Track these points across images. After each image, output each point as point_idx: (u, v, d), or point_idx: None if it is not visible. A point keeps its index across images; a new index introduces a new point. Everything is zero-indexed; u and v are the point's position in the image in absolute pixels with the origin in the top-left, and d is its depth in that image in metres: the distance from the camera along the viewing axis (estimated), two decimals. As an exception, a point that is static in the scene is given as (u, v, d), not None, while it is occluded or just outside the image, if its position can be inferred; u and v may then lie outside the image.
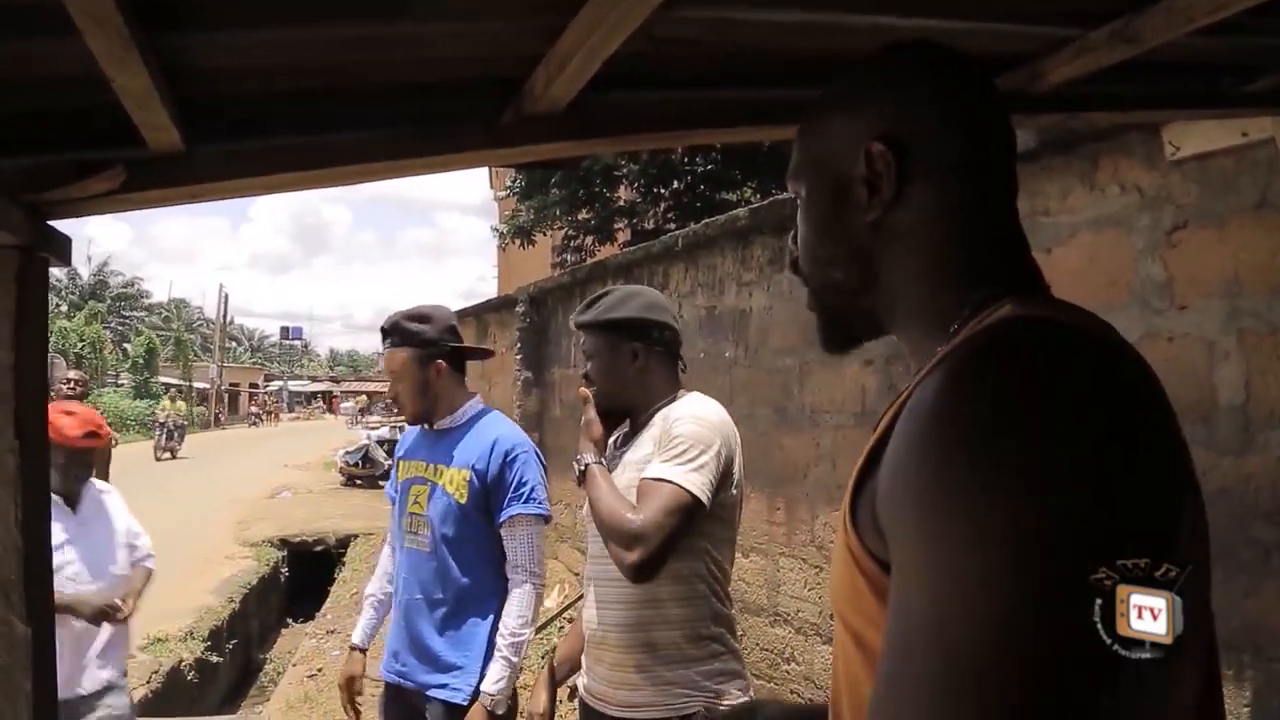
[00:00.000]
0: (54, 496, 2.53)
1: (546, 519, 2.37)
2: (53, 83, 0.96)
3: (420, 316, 2.44)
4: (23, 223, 1.00)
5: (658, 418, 1.96)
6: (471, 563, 2.30)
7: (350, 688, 2.47)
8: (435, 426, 2.44)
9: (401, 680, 2.35)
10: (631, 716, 1.89)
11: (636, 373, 1.98)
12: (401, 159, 1.14)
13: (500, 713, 2.20)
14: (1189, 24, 1.16)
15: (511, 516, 2.29)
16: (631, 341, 1.98)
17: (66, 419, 2.74)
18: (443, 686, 2.26)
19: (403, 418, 2.62)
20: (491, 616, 2.30)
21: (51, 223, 1.07)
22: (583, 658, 2.04)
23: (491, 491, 2.30)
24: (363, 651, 2.53)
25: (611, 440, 2.11)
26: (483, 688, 2.19)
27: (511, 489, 2.30)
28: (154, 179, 1.05)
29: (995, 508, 0.56)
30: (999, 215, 0.80)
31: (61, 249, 1.09)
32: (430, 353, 2.40)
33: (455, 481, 2.32)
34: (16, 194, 1.00)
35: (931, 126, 0.78)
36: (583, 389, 1.98)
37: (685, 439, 1.83)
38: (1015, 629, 0.55)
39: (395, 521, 2.49)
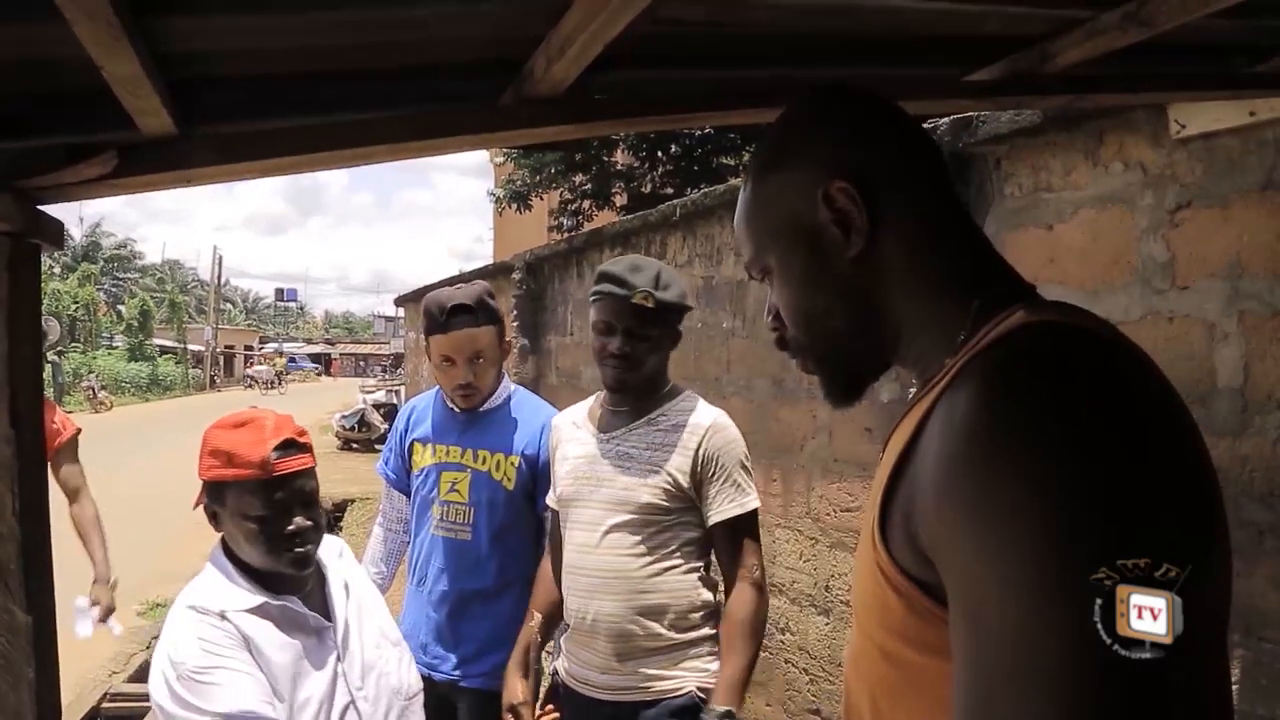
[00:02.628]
0: (292, 606, 1.53)
1: None
2: (43, 67, 0.94)
3: (490, 292, 2.31)
4: (13, 209, 0.99)
5: (665, 419, 1.96)
6: (516, 549, 2.25)
7: None
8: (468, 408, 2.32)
9: (431, 673, 2.26)
10: (619, 699, 1.91)
11: (668, 355, 2.02)
12: (400, 141, 1.12)
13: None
14: (1204, 8, 1.14)
15: None
16: (679, 325, 2.01)
17: (237, 433, 1.51)
18: (482, 675, 2.21)
19: (399, 387, 2.47)
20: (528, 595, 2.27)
21: (43, 208, 1.05)
22: (563, 641, 2.05)
23: (540, 477, 2.25)
24: None
25: (588, 415, 2.08)
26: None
27: None
28: (146, 163, 1.03)
29: (1036, 511, 0.58)
30: (963, 222, 0.82)
31: (54, 234, 1.07)
32: (503, 328, 2.31)
33: (503, 468, 2.25)
34: (7, 179, 0.98)
35: (875, 152, 0.80)
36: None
37: (742, 463, 1.94)
38: (1027, 631, 0.56)
39: (418, 509, 2.36)
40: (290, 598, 1.53)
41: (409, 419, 2.46)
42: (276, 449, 1.49)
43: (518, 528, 2.27)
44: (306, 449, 1.56)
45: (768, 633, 3.79)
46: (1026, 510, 0.58)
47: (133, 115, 0.95)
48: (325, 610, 1.60)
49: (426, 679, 2.26)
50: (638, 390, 1.97)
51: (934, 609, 0.65)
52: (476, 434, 2.30)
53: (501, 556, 2.24)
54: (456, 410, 2.34)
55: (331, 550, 1.70)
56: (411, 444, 2.40)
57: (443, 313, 2.22)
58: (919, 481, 0.67)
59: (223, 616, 1.46)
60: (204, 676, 1.39)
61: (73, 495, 3.34)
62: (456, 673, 2.25)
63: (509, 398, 2.36)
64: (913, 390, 0.83)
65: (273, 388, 39.81)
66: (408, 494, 2.43)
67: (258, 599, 1.49)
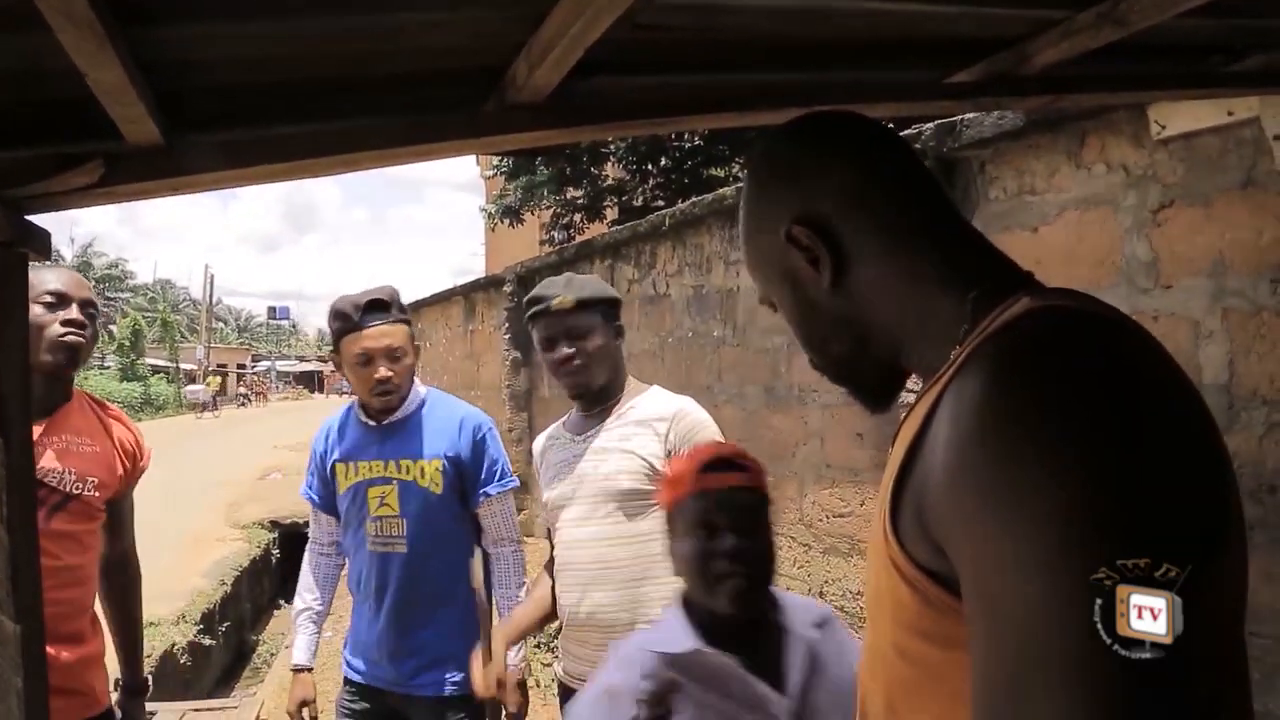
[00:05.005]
0: (728, 665, 1.30)
1: (516, 486, 2.38)
2: (28, 76, 0.94)
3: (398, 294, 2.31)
4: (1, 218, 0.99)
5: (634, 410, 2.00)
6: (453, 550, 2.23)
7: (302, 713, 2.31)
8: (384, 421, 2.29)
9: (388, 686, 2.25)
10: None
11: (617, 351, 2.05)
12: (384, 149, 1.13)
13: (521, 679, 2.17)
14: (1177, 6, 1.16)
15: (490, 496, 2.28)
16: (615, 321, 2.03)
17: (682, 459, 1.47)
18: (436, 682, 2.20)
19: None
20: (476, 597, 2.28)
21: (30, 217, 1.05)
22: (560, 641, 2.06)
23: (466, 475, 2.27)
24: (309, 671, 2.37)
25: (562, 424, 2.14)
26: (508, 660, 2.12)
27: (486, 468, 2.28)
28: (133, 172, 1.04)
29: (1043, 505, 0.58)
30: (948, 222, 0.83)
31: (41, 244, 1.08)
32: (413, 331, 2.31)
33: (428, 473, 2.25)
34: (-7, 189, 0.99)
35: (828, 183, 0.83)
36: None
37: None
38: (1034, 624, 0.56)
39: (352, 529, 2.33)
40: (731, 656, 1.30)
41: (326, 440, 2.42)
42: (707, 466, 1.38)
43: (454, 532, 2.27)
44: (746, 469, 1.39)
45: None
46: (1032, 503, 0.58)
47: (119, 124, 0.96)
48: (778, 680, 1.32)
49: (377, 693, 2.26)
50: (601, 392, 2.02)
51: (948, 600, 0.65)
52: (396, 444, 2.28)
53: (442, 563, 2.23)
54: (372, 424, 2.31)
55: (805, 616, 1.41)
56: (333, 466, 2.36)
57: (357, 310, 2.21)
58: (929, 470, 0.67)
59: (646, 665, 1.32)
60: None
61: (126, 554, 2.24)
62: (412, 683, 2.24)
63: (422, 402, 2.34)
64: (914, 392, 0.84)
65: (207, 410, 33.02)
66: (336, 516, 2.41)
67: (687, 645, 1.31)
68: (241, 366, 56.71)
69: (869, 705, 0.78)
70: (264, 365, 63.79)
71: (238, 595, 7.99)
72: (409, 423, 2.30)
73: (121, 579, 2.22)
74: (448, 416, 2.32)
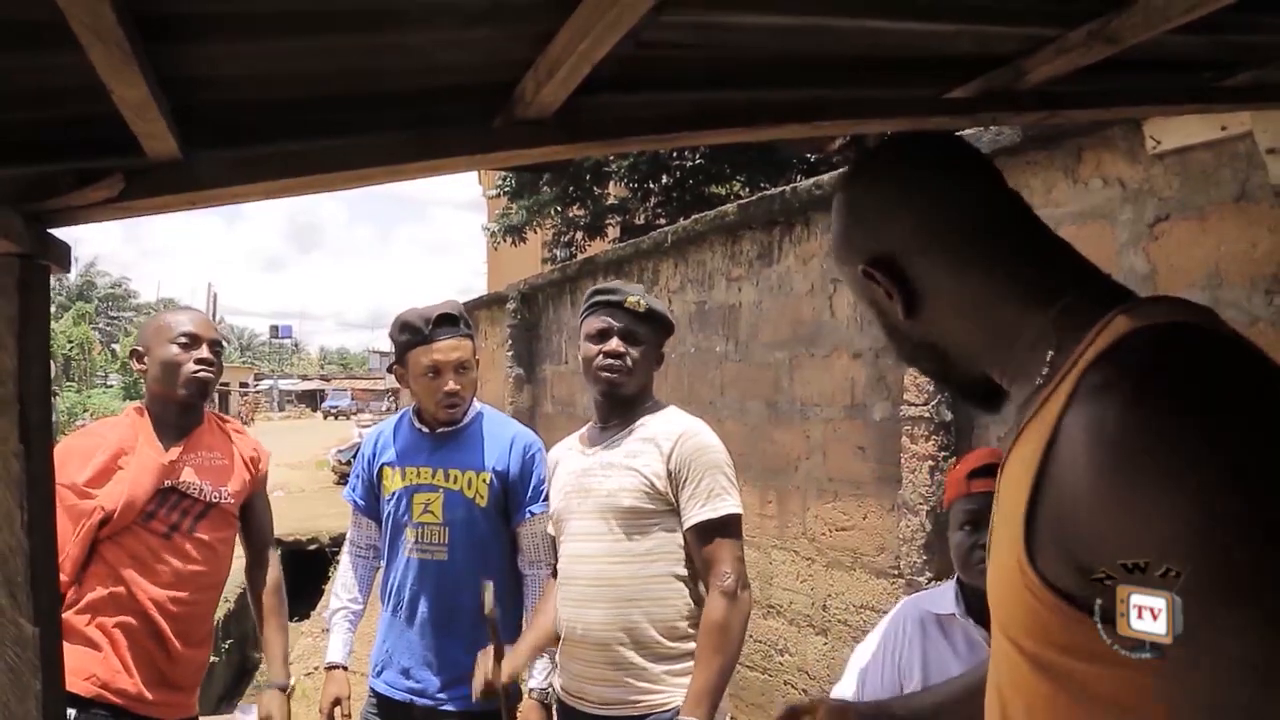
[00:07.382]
0: (971, 630, 1.69)
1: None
2: (51, 93, 0.97)
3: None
4: (23, 231, 1.02)
5: (644, 428, 2.01)
6: (493, 565, 2.26)
7: (333, 711, 2.30)
8: (438, 430, 2.34)
9: (414, 698, 2.26)
10: (610, 714, 1.92)
11: (653, 371, 2.09)
12: (395, 164, 1.16)
13: (547, 703, 2.18)
14: (1166, 23, 1.18)
15: (534, 515, 2.29)
16: (662, 346, 2.08)
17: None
18: (464, 696, 2.17)
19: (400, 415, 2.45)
20: (511, 614, 2.27)
21: (51, 230, 1.08)
22: (558, 656, 2.07)
23: (511, 491, 2.28)
24: (344, 669, 2.38)
25: (579, 436, 2.15)
26: (531, 685, 2.16)
27: (533, 487, 2.30)
28: (152, 187, 1.06)
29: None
30: (1026, 238, 0.87)
31: (62, 256, 1.10)
32: (475, 346, 2.36)
33: (475, 485, 2.27)
34: (16, 203, 1.01)
35: (895, 229, 0.90)
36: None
37: (719, 468, 1.96)
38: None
39: (392, 533, 2.36)
40: (981, 630, 1.62)
41: (375, 444, 2.46)
42: (974, 473, 1.68)
43: (495, 546, 2.29)
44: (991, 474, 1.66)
45: (767, 654, 3.77)
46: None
47: (140, 139, 0.99)
48: None
49: (407, 705, 2.26)
50: (625, 403, 2.03)
51: (1088, 619, 0.67)
52: (446, 453, 2.31)
53: (480, 575, 2.21)
54: (426, 431, 2.35)
55: None
56: (380, 469, 2.40)
57: (428, 324, 2.24)
58: (1073, 504, 0.68)
59: (922, 617, 1.71)
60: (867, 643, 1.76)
61: (261, 551, 2.48)
62: (441, 696, 2.24)
63: (477, 416, 2.38)
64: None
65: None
66: (377, 520, 2.43)
67: (947, 610, 1.69)
68: (244, 385, 56.86)
69: (1010, 713, 0.78)
70: (267, 384, 63.88)
71: (241, 613, 7.97)
72: (462, 434, 2.33)
73: (262, 573, 2.45)
74: (500, 432, 2.35)
